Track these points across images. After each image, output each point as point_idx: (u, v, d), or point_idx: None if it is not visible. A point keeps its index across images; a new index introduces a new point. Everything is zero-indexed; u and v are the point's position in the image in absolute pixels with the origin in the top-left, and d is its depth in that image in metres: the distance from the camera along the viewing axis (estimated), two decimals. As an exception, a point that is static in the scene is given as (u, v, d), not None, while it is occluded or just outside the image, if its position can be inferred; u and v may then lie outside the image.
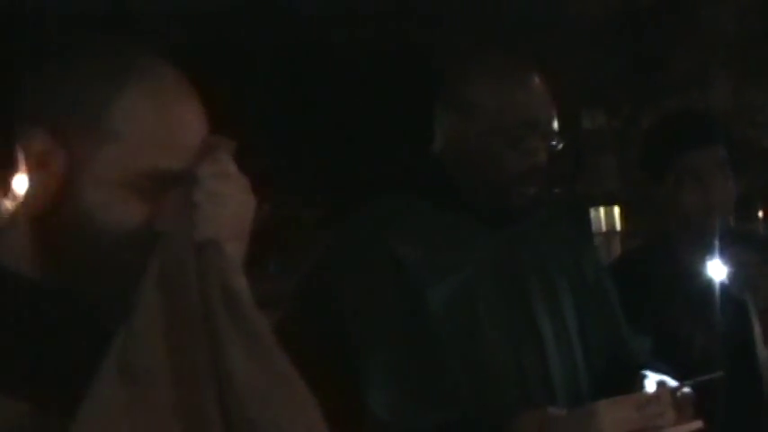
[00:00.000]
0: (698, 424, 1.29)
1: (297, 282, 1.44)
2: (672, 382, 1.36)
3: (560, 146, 1.43)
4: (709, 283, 1.65)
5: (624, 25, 12.61)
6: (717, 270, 1.64)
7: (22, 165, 0.81)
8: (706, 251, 1.68)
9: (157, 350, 0.73)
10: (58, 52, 0.87)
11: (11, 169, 0.82)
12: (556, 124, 1.44)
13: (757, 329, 1.55)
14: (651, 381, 1.37)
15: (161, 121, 0.83)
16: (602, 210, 24.96)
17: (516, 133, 1.37)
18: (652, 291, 1.78)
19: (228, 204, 0.80)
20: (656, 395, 1.30)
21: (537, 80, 1.42)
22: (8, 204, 0.82)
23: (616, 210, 24.32)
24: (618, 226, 24.41)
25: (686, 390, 1.33)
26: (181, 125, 0.84)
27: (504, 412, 1.32)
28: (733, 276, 1.62)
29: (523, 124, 1.38)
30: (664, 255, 1.83)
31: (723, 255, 1.63)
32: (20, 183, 0.81)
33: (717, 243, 1.65)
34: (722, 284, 1.64)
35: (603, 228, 25.01)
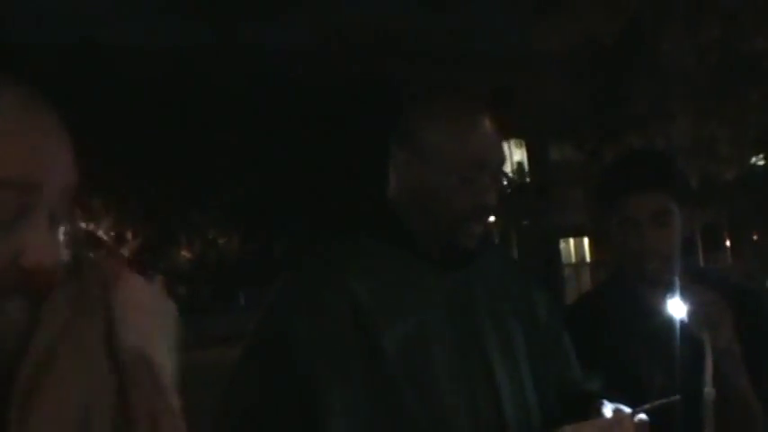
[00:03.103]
0: None
1: (253, 325, 1.44)
2: (627, 410, 1.38)
3: (510, 186, 1.47)
4: (667, 322, 1.67)
5: (588, 61, 12.84)
6: (676, 309, 1.66)
7: None
8: (658, 291, 1.71)
9: None
10: None
11: None
12: (504, 165, 1.49)
13: (709, 368, 1.57)
14: (608, 408, 1.39)
15: None
16: (571, 241, 25.19)
17: (467, 173, 1.42)
18: (612, 330, 1.80)
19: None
20: (619, 419, 1.31)
21: (487, 123, 1.46)
22: None
23: (585, 241, 24.56)
24: (588, 257, 24.64)
25: (642, 416, 1.36)
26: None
27: None
28: (692, 315, 1.64)
29: (474, 165, 1.42)
30: (622, 294, 1.85)
31: (682, 294, 1.66)
32: None
33: (673, 283, 1.68)
34: (681, 323, 1.66)
35: (573, 259, 25.23)
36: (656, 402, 1.39)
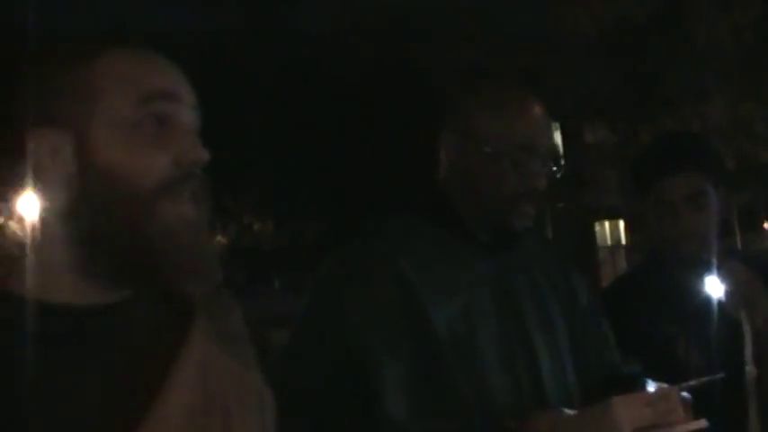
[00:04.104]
0: (703, 422, 1.31)
1: (304, 301, 1.48)
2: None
3: (559, 172, 1.50)
4: (704, 303, 1.67)
5: (624, 41, 12.67)
6: (713, 289, 1.66)
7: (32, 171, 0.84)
8: (694, 273, 1.71)
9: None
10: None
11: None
12: (554, 150, 1.51)
13: (749, 347, 1.57)
14: (652, 386, 1.41)
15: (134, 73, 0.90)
16: (606, 224, 24.93)
17: (517, 157, 1.44)
18: (648, 312, 1.80)
19: None
20: (666, 393, 1.32)
21: (537, 107, 1.49)
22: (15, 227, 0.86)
23: (621, 223, 24.29)
24: (623, 239, 24.37)
25: (685, 394, 1.36)
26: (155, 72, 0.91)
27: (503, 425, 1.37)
28: (729, 295, 1.64)
29: (524, 148, 1.45)
30: (658, 276, 1.85)
31: (719, 274, 1.65)
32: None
33: (709, 263, 1.68)
34: (718, 303, 1.66)
35: (609, 242, 24.97)
36: (702, 379, 1.40)
